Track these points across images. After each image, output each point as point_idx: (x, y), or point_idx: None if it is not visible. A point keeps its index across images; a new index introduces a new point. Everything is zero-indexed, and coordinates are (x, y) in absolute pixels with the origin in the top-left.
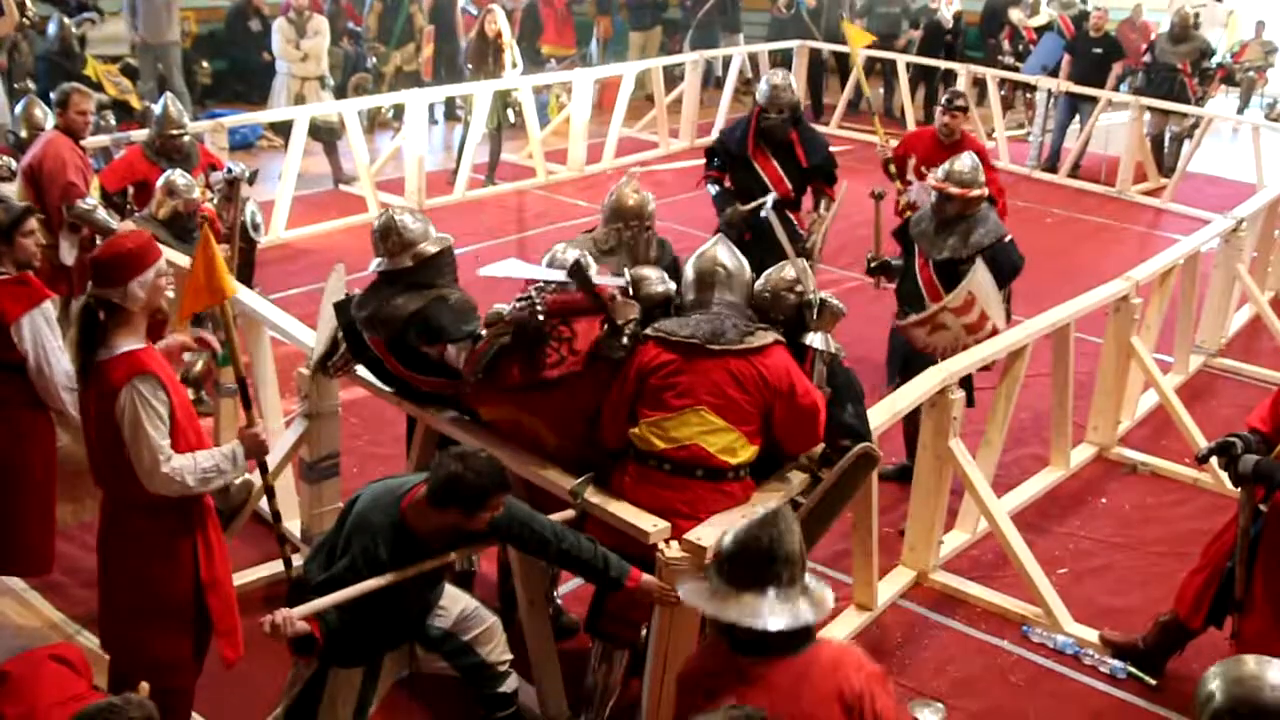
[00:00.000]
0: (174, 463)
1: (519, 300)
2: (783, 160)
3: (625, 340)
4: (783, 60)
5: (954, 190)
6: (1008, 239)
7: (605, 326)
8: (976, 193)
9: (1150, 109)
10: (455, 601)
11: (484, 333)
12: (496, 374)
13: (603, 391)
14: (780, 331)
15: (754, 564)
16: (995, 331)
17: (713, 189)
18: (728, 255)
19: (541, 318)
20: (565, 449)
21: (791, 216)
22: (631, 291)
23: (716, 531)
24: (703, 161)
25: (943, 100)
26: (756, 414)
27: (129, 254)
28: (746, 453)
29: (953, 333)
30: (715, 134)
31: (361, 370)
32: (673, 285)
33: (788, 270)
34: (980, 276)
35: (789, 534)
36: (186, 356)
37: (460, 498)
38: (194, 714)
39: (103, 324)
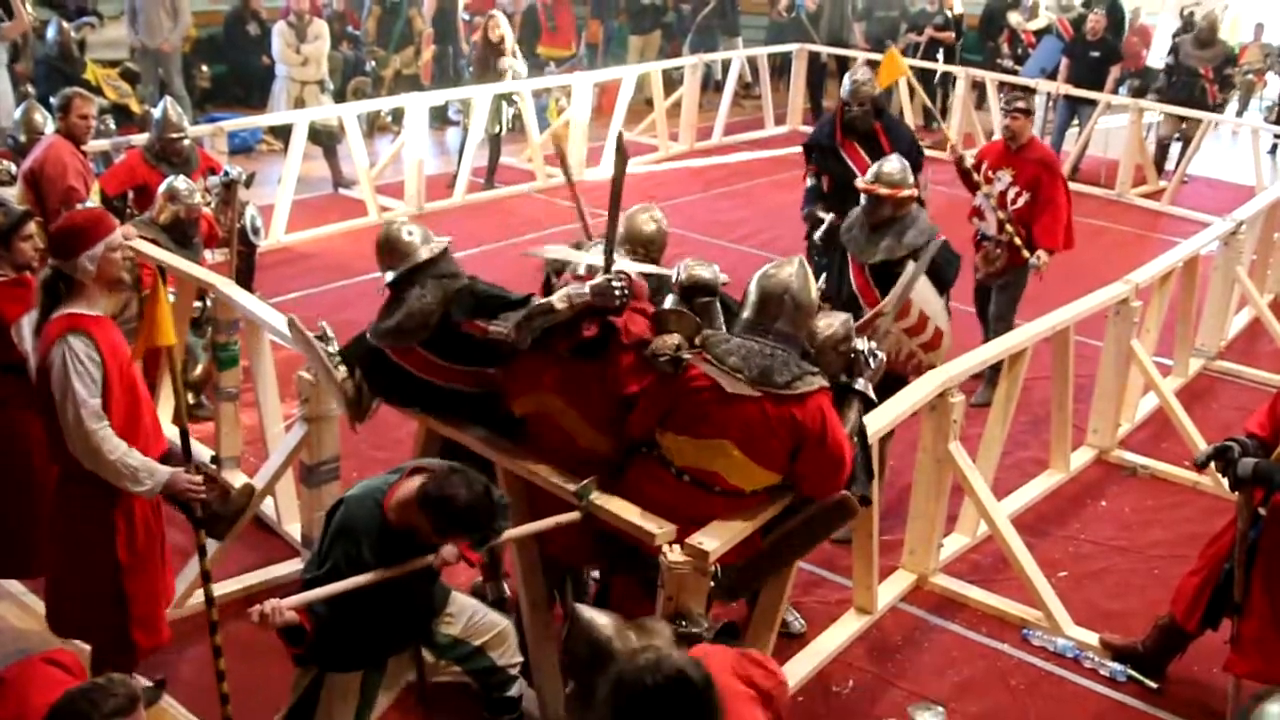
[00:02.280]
0: (100, 428)
1: (598, 284)
2: (869, 150)
3: (669, 366)
4: (782, 64)
5: (883, 191)
6: (941, 238)
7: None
8: (907, 192)
9: (1163, 113)
10: (464, 609)
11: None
12: (546, 343)
13: (638, 375)
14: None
15: None
16: (939, 334)
17: (809, 181)
18: (800, 283)
19: (620, 302)
20: (598, 443)
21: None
22: (679, 274)
23: (719, 538)
24: (707, 164)
25: (1001, 105)
26: (784, 453)
27: (77, 228)
28: (768, 481)
29: (894, 337)
30: (717, 137)
31: None
32: (723, 276)
33: (837, 327)
34: (910, 278)
35: None
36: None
37: (443, 518)
38: (193, 718)
39: (60, 294)
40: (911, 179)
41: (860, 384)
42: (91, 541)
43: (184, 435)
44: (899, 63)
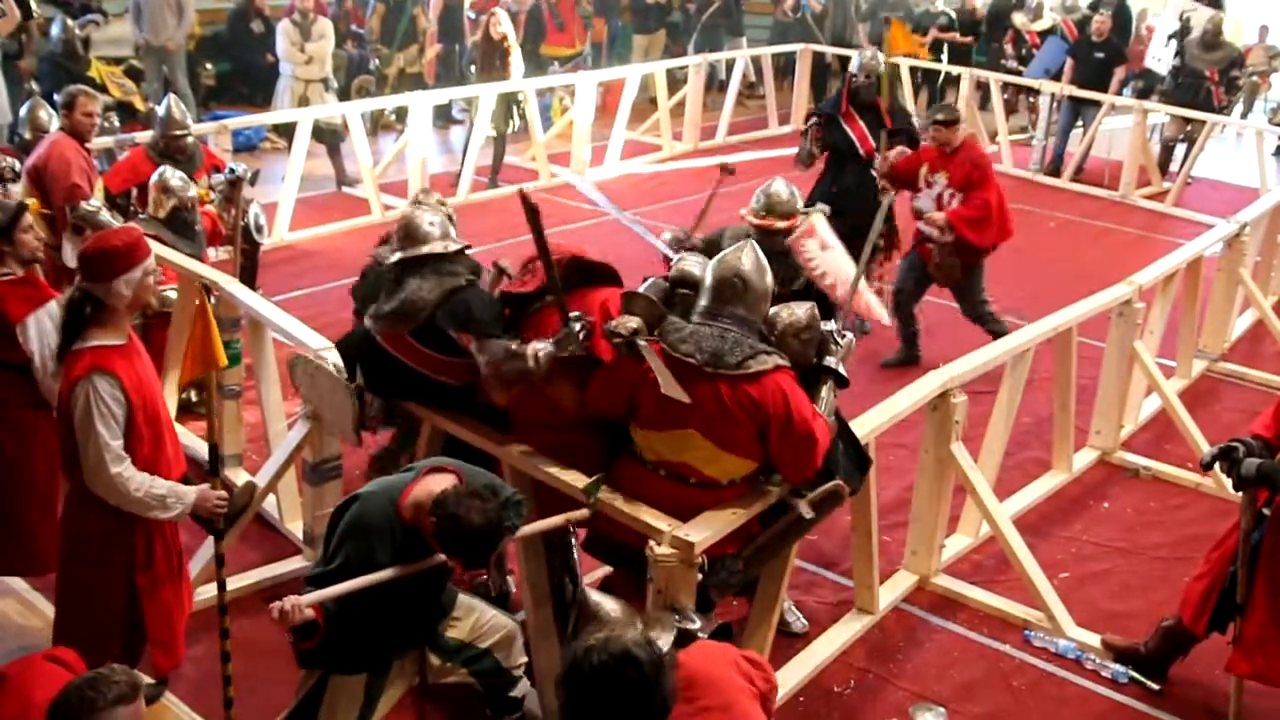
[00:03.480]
0: (123, 469)
1: (559, 336)
2: (870, 122)
3: (624, 347)
4: (786, 64)
5: (780, 225)
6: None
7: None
8: (801, 220)
9: (1169, 114)
10: (470, 611)
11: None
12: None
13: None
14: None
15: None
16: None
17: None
18: (750, 263)
19: (585, 341)
20: (587, 408)
21: (875, 174)
22: (673, 261)
23: (706, 530)
24: (713, 163)
25: (928, 118)
26: (751, 438)
27: (115, 251)
28: (744, 469)
29: (834, 249)
30: (721, 137)
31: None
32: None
33: (799, 314)
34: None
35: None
36: None
37: (446, 539)
38: (196, 716)
39: (86, 316)
40: (800, 203)
41: (831, 361)
42: (107, 562)
43: (213, 451)
44: (905, 35)
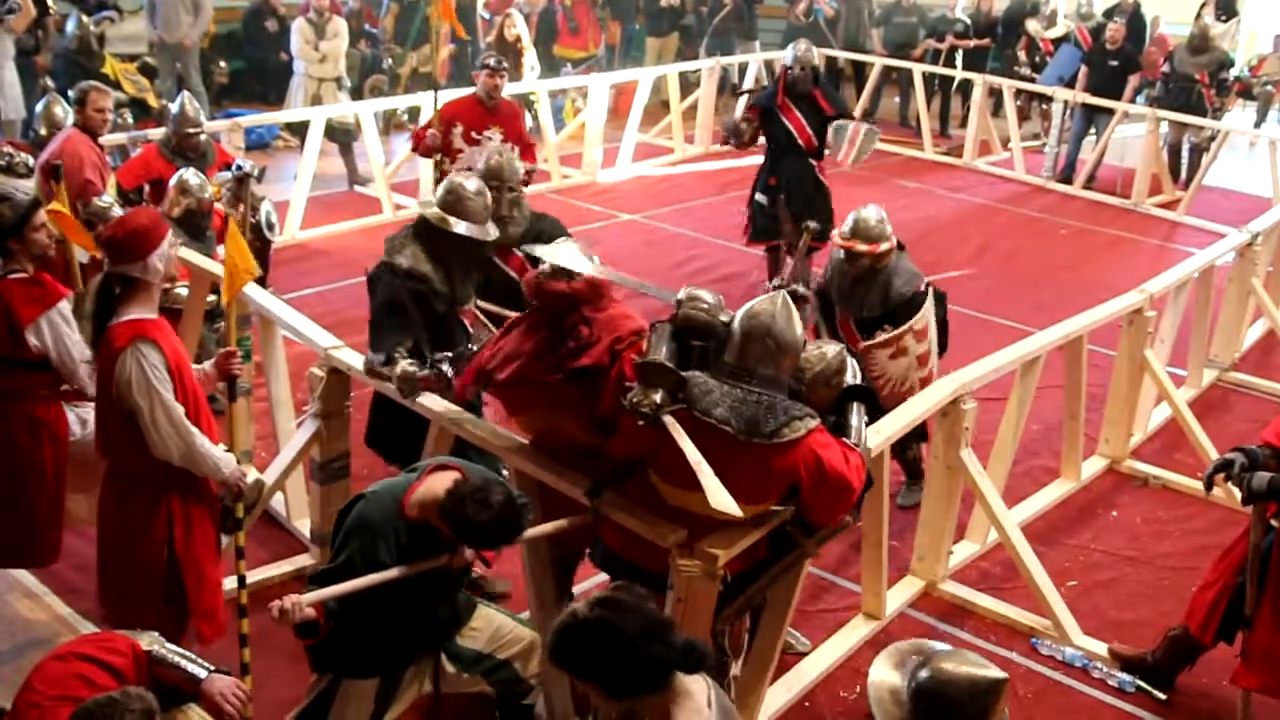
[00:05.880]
0: (190, 426)
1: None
2: (805, 112)
3: (652, 425)
4: None
5: (861, 248)
6: (924, 285)
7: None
8: (885, 246)
9: (1164, 120)
10: (489, 622)
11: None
12: (513, 367)
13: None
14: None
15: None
16: (932, 374)
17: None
18: (783, 323)
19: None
20: (590, 437)
21: (814, 164)
22: (676, 307)
23: (728, 543)
24: (722, 166)
25: (488, 62)
26: (778, 493)
27: (145, 230)
28: (763, 509)
29: (909, 360)
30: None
31: None
32: (724, 314)
33: (830, 359)
34: (932, 306)
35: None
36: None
37: (463, 533)
38: (203, 715)
39: (117, 297)
40: (890, 229)
41: (851, 380)
42: (147, 535)
43: (231, 381)
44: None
